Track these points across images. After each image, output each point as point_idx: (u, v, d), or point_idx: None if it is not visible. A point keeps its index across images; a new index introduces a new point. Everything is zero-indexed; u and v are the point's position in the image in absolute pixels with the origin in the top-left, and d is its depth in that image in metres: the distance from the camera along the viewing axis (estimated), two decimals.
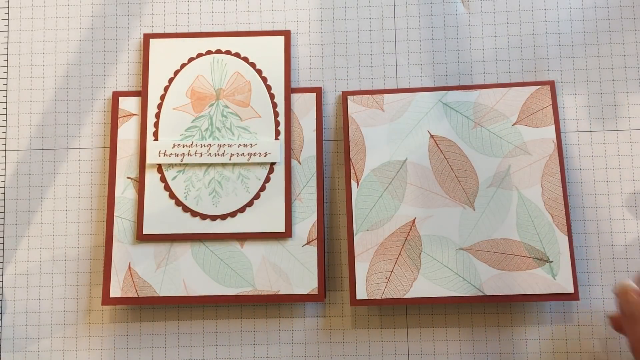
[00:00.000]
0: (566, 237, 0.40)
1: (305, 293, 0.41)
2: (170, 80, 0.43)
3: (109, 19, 0.46)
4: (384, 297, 0.40)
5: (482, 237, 0.41)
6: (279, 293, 0.41)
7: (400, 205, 0.41)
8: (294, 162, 0.42)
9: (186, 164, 0.42)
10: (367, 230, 0.41)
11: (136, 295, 0.41)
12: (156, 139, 0.42)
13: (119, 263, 0.41)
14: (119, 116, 0.43)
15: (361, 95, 0.43)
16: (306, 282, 0.41)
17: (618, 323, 0.37)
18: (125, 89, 0.45)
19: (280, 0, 0.46)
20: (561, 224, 0.40)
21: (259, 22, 0.46)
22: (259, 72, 0.43)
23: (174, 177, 0.42)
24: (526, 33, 0.45)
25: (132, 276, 0.41)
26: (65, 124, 0.45)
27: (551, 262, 0.40)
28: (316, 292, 0.40)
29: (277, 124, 0.42)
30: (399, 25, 0.45)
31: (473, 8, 0.45)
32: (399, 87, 0.44)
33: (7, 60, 0.46)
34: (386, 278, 0.40)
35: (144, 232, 0.41)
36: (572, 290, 0.40)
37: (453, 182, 0.41)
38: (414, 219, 0.41)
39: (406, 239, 0.40)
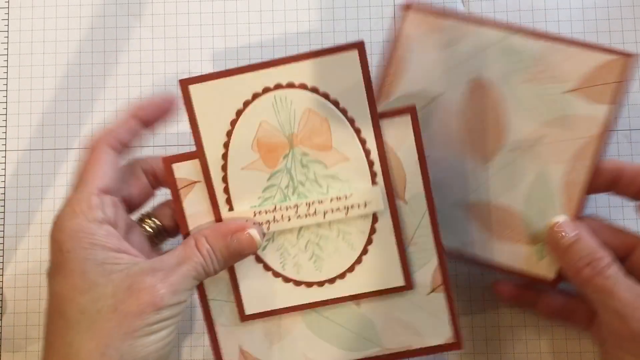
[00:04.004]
0: None
1: (442, 344, 0.36)
2: (229, 134, 0.35)
3: (109, 19, 0.46)
4: None
5: (484, 198, 0.38)
6: (411, 348, 0.36)
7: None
8: (399, 204, 0.36)
9: (275, 231, 0.35)
10: None
11: None
12: (231, 208, 0.35)
13: (227, 347, 0.36)
14: (178, 188, 0.35)
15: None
16: (439, 331, 0.36)
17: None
18: (126, 89, 0.45)
19: (280, 0, 0.46)
20: (569, 211, 0.37)
21: (259, 22, 0.46)
22: (336, 103, 0.35)
23: (264, 247, 0.35)
24: None
25: (246, 358, 0.36)
26: (65, 124, 0.45)
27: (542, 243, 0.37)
28: (453, 341, 0.36)
29: (370, 164, 0.35)
30: (399, 25, 0.45)
31: (473, 8, 0.45)
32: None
33: (7, 61, 0.46)
34: None
35: (247, 313, 0.36)
36: (552, 277, 0.37)
37: (477, 133, 0.37)
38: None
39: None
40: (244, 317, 0.36)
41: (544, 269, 0.37)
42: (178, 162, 0.35)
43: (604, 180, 0.36)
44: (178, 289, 0.32)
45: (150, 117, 0.35)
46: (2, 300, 0.44)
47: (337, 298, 0.36)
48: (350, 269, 0.36)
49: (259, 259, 0.36)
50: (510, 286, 0.39)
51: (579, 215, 0.37)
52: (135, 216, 0.37)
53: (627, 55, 0.37)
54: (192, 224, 0.35)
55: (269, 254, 0.36)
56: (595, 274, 0.33)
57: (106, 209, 0.32)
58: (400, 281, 0.35)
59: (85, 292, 0.31)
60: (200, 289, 0.36)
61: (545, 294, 0.39)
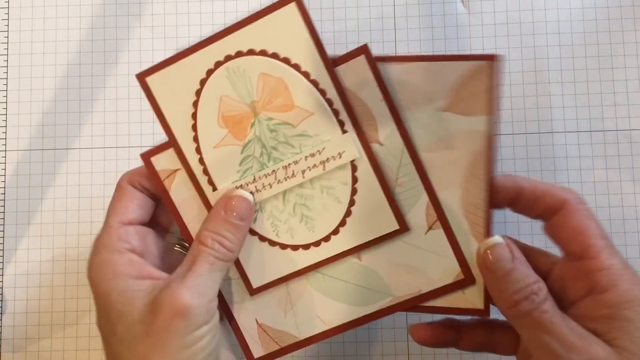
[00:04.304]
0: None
1: (451, 282, 0.35)
2: (195, 116, 0.35)
3: (109, 19, 0.46)
4: None
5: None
6: (422, 292, 0.35)
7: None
8: (374, 147, 0.34)
9: (261, 201, 0.35)
10: None
11: (278, 347, 0.36)
12: (215, 188, 0.35)
13: (244, 323, 0.36)
14: (162, 179, 0.35)
15: None
16: (446, 269, 0.34)
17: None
18: (126, 89, 0.45)
19: None
20: (478, 234, 0.34)
21: None
22: (287, 61, 0.34)
23: (254, 220, 0.35)
24: (526, 33, 0.45)
25: (265, 331, 0.36)
26: (65, 124, 0.45)
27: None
28: (463, 277, 0.34)
29: (336, 113, 0.34)
30: (399, 25, 0.45)
31: (473, 8, 0.45)
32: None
33: (7, 61, 0.46)
34: None
35: (255, 287, 0.36)
36: (481, 307, 0.35)
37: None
38: None
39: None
40: (253, 291, 0.36)
41: (472, 299, 0.35)
42: (156, 154, 0.35)
43: (503, 198, 0.33)
44: (198, 289, 0.31)
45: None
46: (2, 300, 0.44)
47: (336, 255, 0.35)
48: (342, 223, 0.35)
49: (253, 232, 0.36)
50: (426, 329, 0.36)
51: (488, 236, 0.34)
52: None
53: (489, 58, 0.33)
54: (183, 213, 0.35)
55: (261, 224, 0.36)
56: (532, 309, 0.30)
57: (131, 239, 0.33)
58: (394, 225, 0.35)
59: (117, 323, 0.31)
60: None
61: (467, 330, 0.36)
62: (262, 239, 0.36)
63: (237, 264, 0.36)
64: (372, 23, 0.46)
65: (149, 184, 0.35)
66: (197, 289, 0.31)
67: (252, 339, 0.36)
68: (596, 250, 0.30)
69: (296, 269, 0.36)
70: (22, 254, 0.44)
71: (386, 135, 0.34)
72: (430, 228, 0.35)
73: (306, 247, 0.36)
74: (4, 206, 0.45)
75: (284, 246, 0.36)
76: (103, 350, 0.33)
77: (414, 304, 0.35)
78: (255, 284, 0.36)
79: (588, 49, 0.44)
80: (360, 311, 0.36)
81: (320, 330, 0.36)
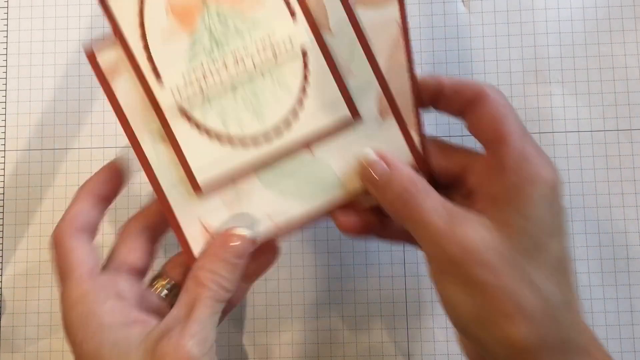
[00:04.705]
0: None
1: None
2: (141, 11, 0.34)
3: None
4: None
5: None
6: None
7: None
8: (325, 35, 0.34)
9: (209, 94, 0.34)
10: None
11: None
12: (162, 82, 0.34)
13: (188, 226, 0.34)
14: (105, 75, 0.34)
15: None
16: (398, 158, 0.34)
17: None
18: None
19: None
20: (412, 125, 0.34)
21: None
22: None
23: (204, 114, 0.34)
24: (527, 32, 0.45)
25: (208, 231, 0.34)
26: (64, 124, 0.45)
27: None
28: (415, 164, 0.34)
29: (286, 1, 0.34)
30: None
31: (473, 7, 0.45)
32: None
33: (6, 60, 0.46)
34: None
35: (202, 185, 0.34)
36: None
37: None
38: None
39: None
40: (199, 191, 0.34)
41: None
42: (100, 50, 0.34)
43: (427, 95, 0.33)
44: (201, 337, 0.30)
45: (103, 192, 0.34)
46: (1, 301, 0.44)
47: (288, 149, 0.34)
48: (294, 114, 0.34)
49: (200, 127, 0.34)
50: (351, 216, 0.34)
51: (421, 130, 0.34)
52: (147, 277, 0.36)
53: None
54: (128, 113, 0.34)
55: (210, 120, 0.34)
56: (409, 208, 0.30)
57: (104, 289, 0.31)
58: (346, 114, 0.34)
59: None
60: (151, 175, 0.34)
61: (390, 218, 0.34)
62: (211, 135, 0.34)
63: (184, 163, 0.34)
64: None
65: (91, 219, 0.33)
66: (199, 336, 0.29)
67: (194, 241, 0.34)
68: (509, 136, 0.30)
69: (245, 166, 0.34)
70: (22, 254, 0.44)
71: (335, 22, 0.34)
72: (382, 117, 0.34)
73: (256, 141, 0.34)
74: (3, 206, 0.45)
75: (232, 141, 0.34)
76: None
77: (364, 194, 0.34)
78: (202, 182, 0.34)
79: (589, 49, 0.44)
80: (312, 206, 0.34)
81: (269, 230, 0.34)
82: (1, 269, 0.44)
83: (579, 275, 0.42)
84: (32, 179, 0.45)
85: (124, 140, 0.45)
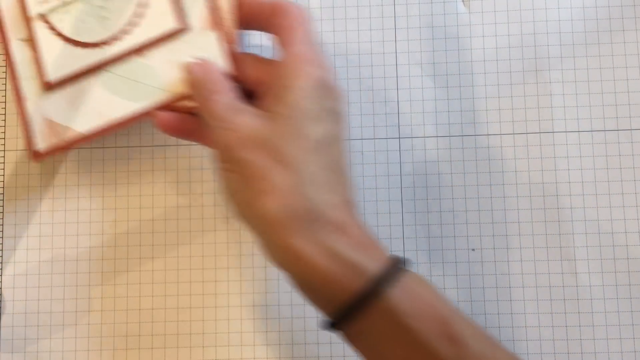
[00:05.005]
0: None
1: None
2: None
3: None
4: None
5: None
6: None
7: None
8: None
9: (68, 5, 0.40)
10: None
11: (61, 142, 0.40)
12: None
13: (33, 119, 0.40)
14: None
15: None
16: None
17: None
18: None
19: None
20: (227, 39, 0.39)
21: None
22: None
23: (62, 20, 0.40)
24: (527, 32, 0.45)
25: (50, 127, 0.40)
26: None
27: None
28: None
29: None
30: (399, 25, 0.45)
31: (473, 7, 0.45)
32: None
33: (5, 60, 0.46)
34: None
35: (49, 80, 0.40)
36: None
37: None
38: None
39: None
40: (47, 86, 0.40)
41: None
42: None
43: (244, 15, 0.38)
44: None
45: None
46: (1, 301, 0.44)
47: (125, 53, 0.39)
48: (132, 23, 0.39)
49: (58, 33, 0.40)
50: (170, 115, 0.39)
51: (236, 43, 0.39)
52: None
53: None
54: (6, 20, 0.41)
55: (69, 26, 0.40)
56: (206, 101, 0.35)
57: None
58: (173, 23, 0.39)
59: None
60: (12, 69, 0.40)
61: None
62: (66, 39, 0.40)
63: (38, 62, 0.40)
64: (372, 23, 0.45)
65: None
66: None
67: (36, 134, 0.40)
68: (292, 41, 0.35)
69: (89, 65, 0.39)
70: (21, 254, 0.44)
71: None
72: (205, 28, 0.39)
73: (100, 44, 0.40)
74: (2, 206, 0.45)
75: (83, 44, 0.40)
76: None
77: (185, 99, 0.39)
78: (50, 77, 0.40)
79: (589, 49, 0.44)
80: (137, 105, 0.39)
81: (100, 125, 0.40)
82: (1, 269, 0.44)
83: (579, 275, 0.42)
84: (32, 178, 0.45)
85: (124, 140, 0.45)
